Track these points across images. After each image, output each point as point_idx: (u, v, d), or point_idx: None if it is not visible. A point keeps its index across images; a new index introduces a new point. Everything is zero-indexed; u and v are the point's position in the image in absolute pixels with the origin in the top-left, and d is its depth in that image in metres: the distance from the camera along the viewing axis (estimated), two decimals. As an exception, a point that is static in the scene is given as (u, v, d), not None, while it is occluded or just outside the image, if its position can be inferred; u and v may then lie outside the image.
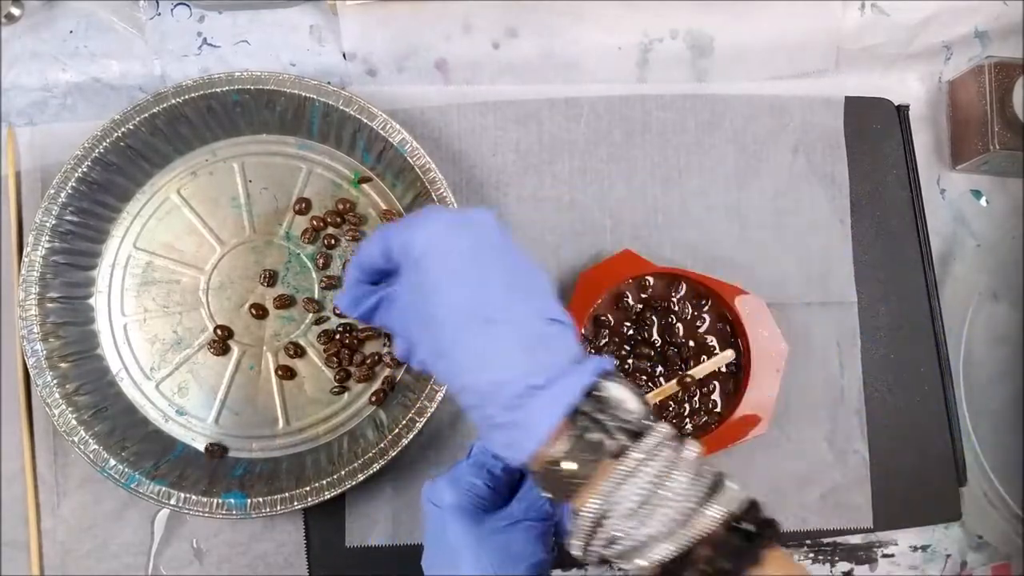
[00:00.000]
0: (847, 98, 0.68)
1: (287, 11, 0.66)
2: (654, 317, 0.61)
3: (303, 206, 0.63)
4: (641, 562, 0.35)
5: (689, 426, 0.61)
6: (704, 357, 0.61)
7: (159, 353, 0.62)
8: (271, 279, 0.62)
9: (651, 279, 0.62)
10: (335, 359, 0.61)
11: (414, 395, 0.59)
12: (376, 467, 0.57)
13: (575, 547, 0.37)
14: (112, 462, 0.57)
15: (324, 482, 0.57)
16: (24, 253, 0.59)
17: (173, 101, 0.59)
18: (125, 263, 0.63)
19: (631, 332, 0.61)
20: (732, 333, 0.62)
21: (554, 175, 0.66)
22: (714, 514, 0.35)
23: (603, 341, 0.61)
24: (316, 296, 0.63)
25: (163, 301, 0.62)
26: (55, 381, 0.57)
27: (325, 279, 0.63)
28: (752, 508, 0.36)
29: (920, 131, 0.69)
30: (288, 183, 0.64)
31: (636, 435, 0.36)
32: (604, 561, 0.37)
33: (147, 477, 0.57)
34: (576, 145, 0.66)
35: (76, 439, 0.57)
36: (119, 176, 0.61)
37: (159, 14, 0.65)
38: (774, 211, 0.66)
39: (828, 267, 0.66)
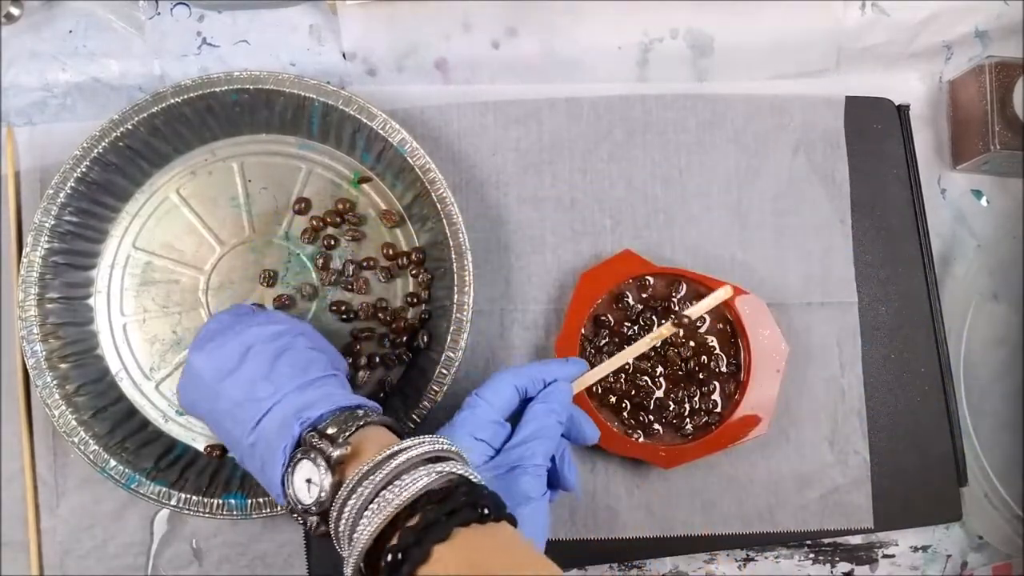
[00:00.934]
0: (848, 98, 0.68)
1: (287, 11, 0.65)
2: (654, 317, 0.61)
3: (303, 206, 0.63)
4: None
5: (689, 426, 0.61)
6: (704, 357, 0.61)
7: (159, 353, 0.62)
8: (271, 279, 0.62)
9: (651, 279, 0.62)
10: (335, 359, 0.61)
11: (413, 395, 0.59)
12: (376, 467, 0.57)
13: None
14: (112, 462, 0.57)
15: (324, 482, 0.57)
16: (23, 253, 0.58)
17: (172, 101, 0.59)
18: (124, 263, 0.63)
19: (631, 332, 0.61)
20: (732, 333, 0.62)
21: (554, 175, 0.65)
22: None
23: (603, 341, 0.61)
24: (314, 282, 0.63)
25: (162, 301, 0.62)
26: (55, 382, 0.57)
27: (325, 278, 0.63)
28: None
29: (920, 131, 0.69)
30: (287, 183, 0.64)
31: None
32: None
33: (147, 477, 0.57)
34: (576, 145, 0.66)
35: (76, 439, 0.57)
36: (118, 176, 0.61)
37: (158, 14, 0.65)
38: (774, 211, 0.66)
39: (828, 267, 0.66)
